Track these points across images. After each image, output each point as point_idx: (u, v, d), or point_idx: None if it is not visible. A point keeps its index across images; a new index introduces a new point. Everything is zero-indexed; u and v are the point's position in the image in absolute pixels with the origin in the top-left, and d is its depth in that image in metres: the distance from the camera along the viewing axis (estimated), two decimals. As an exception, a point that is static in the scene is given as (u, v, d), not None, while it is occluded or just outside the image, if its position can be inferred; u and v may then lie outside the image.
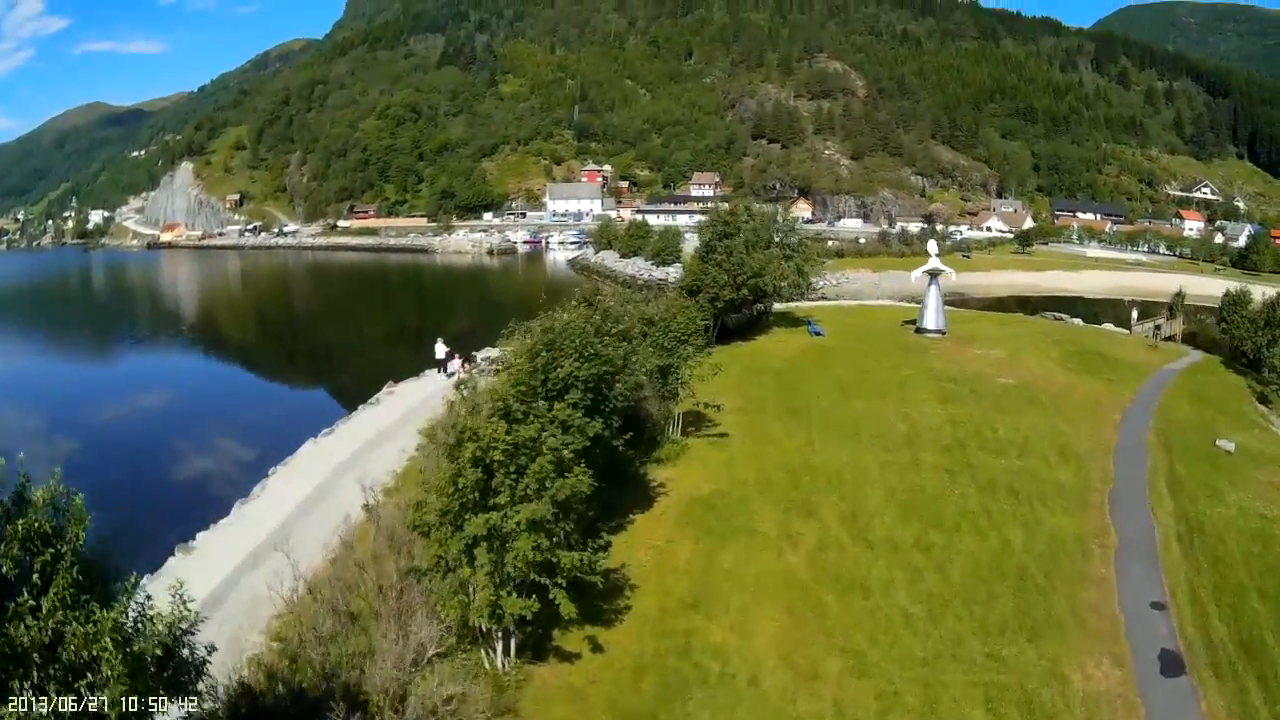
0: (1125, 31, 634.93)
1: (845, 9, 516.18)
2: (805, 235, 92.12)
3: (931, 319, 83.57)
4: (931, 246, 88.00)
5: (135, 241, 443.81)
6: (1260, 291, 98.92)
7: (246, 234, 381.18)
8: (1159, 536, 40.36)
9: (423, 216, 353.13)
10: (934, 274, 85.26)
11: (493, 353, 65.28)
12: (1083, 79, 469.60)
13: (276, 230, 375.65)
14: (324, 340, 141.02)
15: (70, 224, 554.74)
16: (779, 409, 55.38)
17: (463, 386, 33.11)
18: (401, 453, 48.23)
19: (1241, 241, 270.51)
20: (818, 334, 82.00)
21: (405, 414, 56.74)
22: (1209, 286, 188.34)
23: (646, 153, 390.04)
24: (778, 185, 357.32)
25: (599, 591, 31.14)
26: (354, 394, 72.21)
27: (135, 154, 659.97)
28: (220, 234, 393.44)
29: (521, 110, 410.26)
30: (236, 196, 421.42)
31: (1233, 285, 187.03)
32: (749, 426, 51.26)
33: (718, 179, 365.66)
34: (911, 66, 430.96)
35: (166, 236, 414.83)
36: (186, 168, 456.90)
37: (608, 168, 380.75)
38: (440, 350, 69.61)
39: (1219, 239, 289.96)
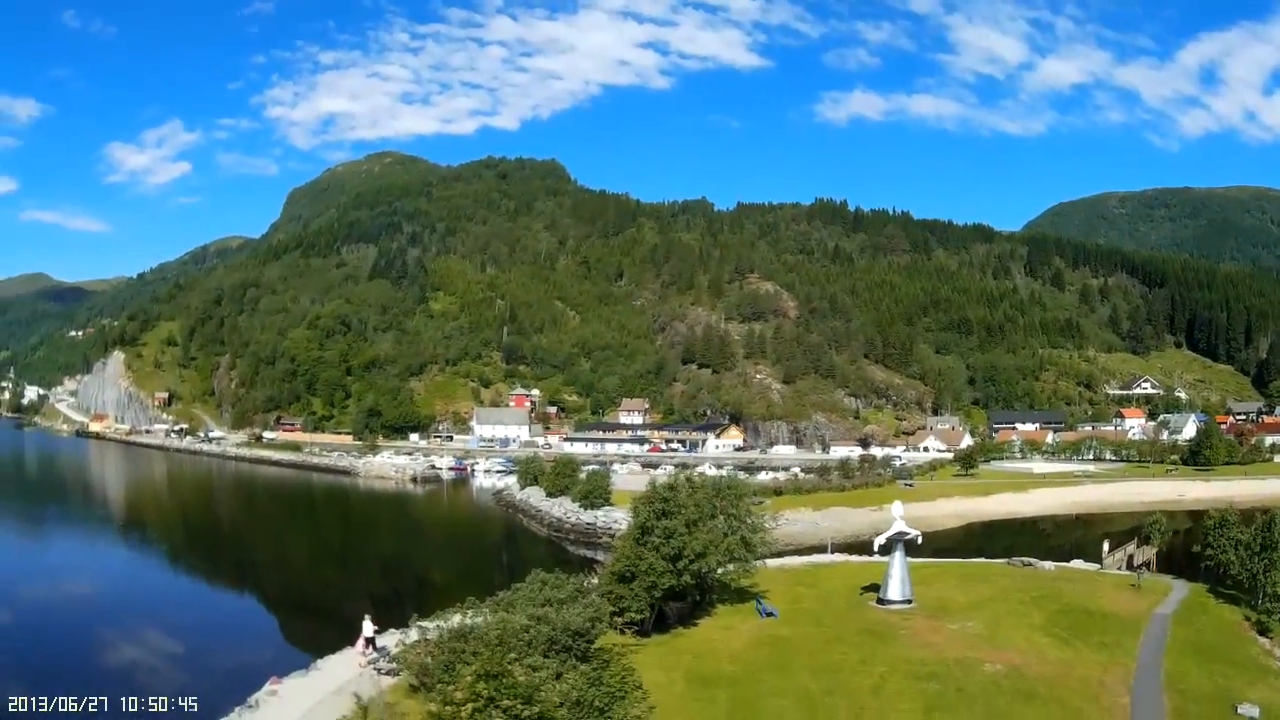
0: (1056, 230, 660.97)
1: (776, 227, 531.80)
2: (752, 499, 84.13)
3: (896, 589, 75.57)
4: (896, 509, 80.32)
5: (65, 426, 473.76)
6: (1216, 491, 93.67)
7: (172, 435, 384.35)
8: None
9: (349, 434, 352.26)
10: (899, 538, 77.50)
11: (395, 637, 61.29)
12: (1016, 285, 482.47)
13: (203, 435, 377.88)
14: (240, 567, 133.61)
15: (7, 395, 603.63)
16: (738, 747, 46.79)
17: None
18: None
19: (1188, 433, 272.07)
20: (769, 614, 73.53)
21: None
22: (1163, 490, 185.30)
23: (575, 377, 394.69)
24: (709, 412, 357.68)
25: None
26: (256, 647, 74.32)
27: (73, 334, 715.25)
28: (147, 431, 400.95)
29: (450, 330, 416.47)
30: (165, 395, 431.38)
31: (1187, 485, 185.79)
32: (704, 778, 42.66)
33: (647, 405, 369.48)
34: (843, 284, 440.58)
35: (95, 427, 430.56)
36: (118, 357, 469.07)
37: (536, 392, 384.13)
38: (369, 629, 60.72)
39: (1165, 435, 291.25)
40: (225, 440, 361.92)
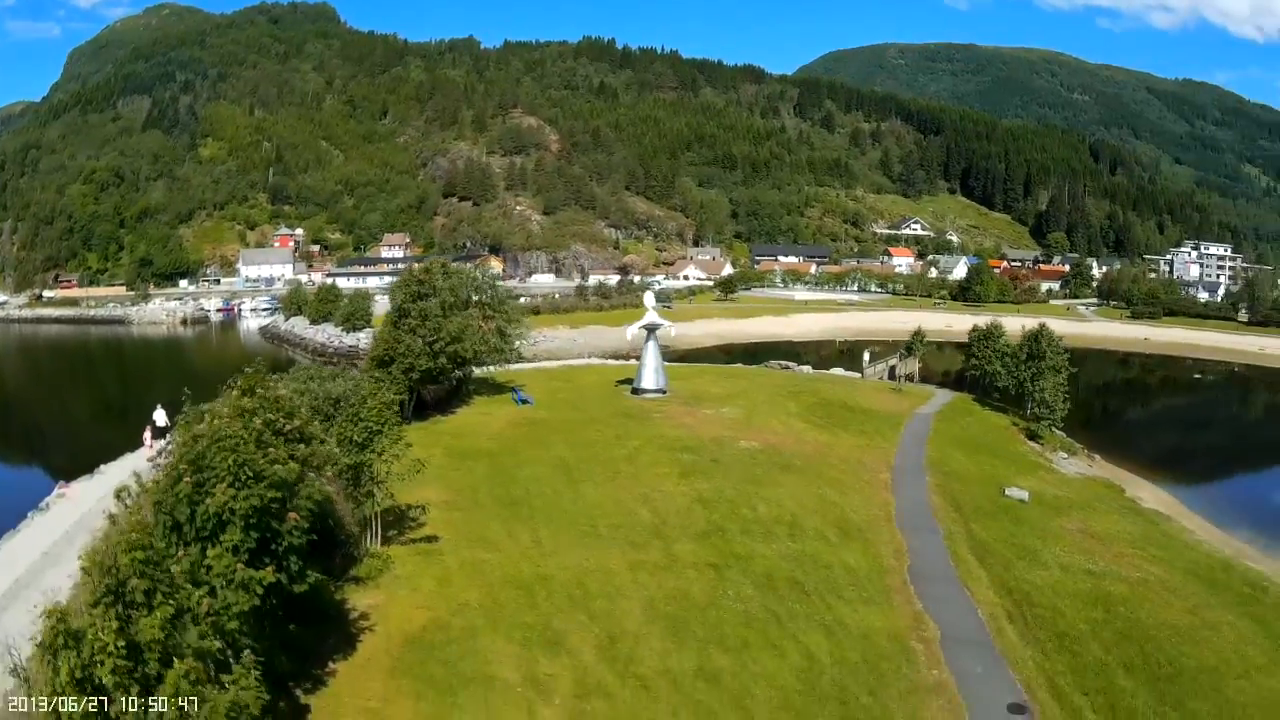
0: (832, 76, 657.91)
1: (542, 64, 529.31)
2: (505, 291, 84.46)
3: (650, 378, 77.31)
4: (649, 299, 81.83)
5: None
6: (982, 321, 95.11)
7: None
8: (985, 618, 34.91)
9: (123, 285, 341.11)
10: (651, 329, 78.78)
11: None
12: (785, 124, 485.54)
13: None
14: (27, 436, 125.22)
15: None
16: (495, 501, 47.00)
17: (123, 493, 26.65)
18: (70, 579, 38.38)
19: (958, 273, 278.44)
20: (525, 401, 74.60)
21: (77, 523, 46.52)
22: (931, 321, 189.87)
23: (339, 215, 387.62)
24: (468, 244, 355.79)
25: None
26: (40, 480, 69.22)
27: None
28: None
29: (218, 174, 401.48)
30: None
31: (955, 318, 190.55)
32: (462, 526, 42.61)
33: (408, 239, 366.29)
34: (607, 119, 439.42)
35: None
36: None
37: (300, 231, 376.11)
38: (161, 417, 61.01)
39: (933, 273, 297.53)
40: (8, 305, 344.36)
